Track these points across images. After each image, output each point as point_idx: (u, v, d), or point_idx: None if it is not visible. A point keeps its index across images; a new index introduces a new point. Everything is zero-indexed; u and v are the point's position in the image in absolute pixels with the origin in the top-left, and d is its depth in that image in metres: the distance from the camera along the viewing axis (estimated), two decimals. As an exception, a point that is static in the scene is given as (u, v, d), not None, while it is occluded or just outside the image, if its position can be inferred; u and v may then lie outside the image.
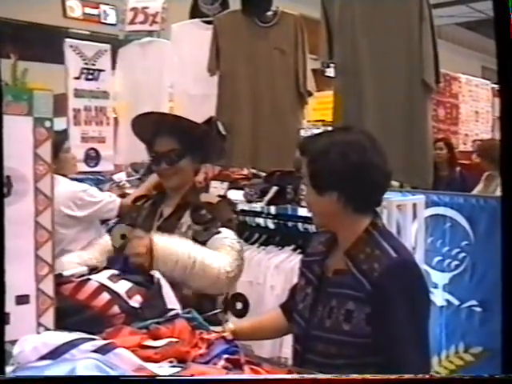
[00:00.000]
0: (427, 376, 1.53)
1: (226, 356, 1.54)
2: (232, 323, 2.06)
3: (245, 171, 4.58)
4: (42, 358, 1.37)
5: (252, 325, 2.15)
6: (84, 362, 1.25)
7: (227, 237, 2.38)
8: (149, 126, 2.54)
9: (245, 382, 1.34)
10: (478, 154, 6.38)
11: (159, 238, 2.22)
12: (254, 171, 4.45)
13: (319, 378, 1.41)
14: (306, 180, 1.88)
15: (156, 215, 2.55)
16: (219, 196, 2.73)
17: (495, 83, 8.08)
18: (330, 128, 3.72)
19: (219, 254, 2.29)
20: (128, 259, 2.12)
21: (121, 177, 5.37)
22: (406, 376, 1.43)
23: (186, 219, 2.44)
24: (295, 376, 1.38)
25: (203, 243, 2.32)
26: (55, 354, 1.37)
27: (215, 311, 2.14)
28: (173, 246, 2.21)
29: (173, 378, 1.33)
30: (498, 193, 5.34)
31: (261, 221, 3.66)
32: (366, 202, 1.87)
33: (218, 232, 2.37)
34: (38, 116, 1.65)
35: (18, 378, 1.26)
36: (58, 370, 1.23)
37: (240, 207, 3.57)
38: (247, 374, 1.35)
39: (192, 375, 1.37)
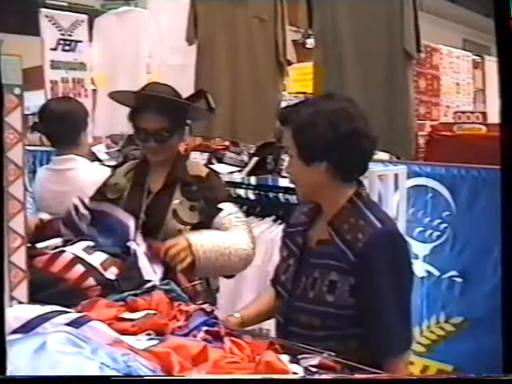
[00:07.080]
0: (430, 377, 1.53)
1: (205, 328, 1.51)
2: (238, 314, 2.01)
3: (225, 142, 4.53)
4: (14, 332, 1.33)
5: (256, 310, 2.09)
6: (55, 335, 1.21)
7: (232, 212, 2.35)
8: (130, 101, 2.43)
9: (245, 382, 1.30)
10: None
11: (195, 237, 2.17)
12: (234, 141, 4.39)
13: (320, 378, 1.38)
14: (292, 151, 1.83)
15: (144, 191, 2.43)
16: (205, 166, 2.64)
17: (476, 55, 8.07)
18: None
19: (239, 233, 2.28)
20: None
21: (100, 149, 5.29)
22: (407, 376, 1.42)
23: (178, 196, 2.38)
24: (296, 376, 1.35)
25: (210, 221, 2.31)
26: (27, 327, 1.33)
27: (194, 282, 2.10)
28: (210, 242, 2.17)
29: (177, 378, 1.28)
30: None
31: (241, 192, 3.62)
32: (354, 169, 1.84)
33: (220, 209, 2.33)
34: (6, 83, 1.59)
35: (19, 378, 1.21)
36: (28, 343, 1.19)
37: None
38: (249, 375, 1.31)
39: (170, 348, 1.33)
